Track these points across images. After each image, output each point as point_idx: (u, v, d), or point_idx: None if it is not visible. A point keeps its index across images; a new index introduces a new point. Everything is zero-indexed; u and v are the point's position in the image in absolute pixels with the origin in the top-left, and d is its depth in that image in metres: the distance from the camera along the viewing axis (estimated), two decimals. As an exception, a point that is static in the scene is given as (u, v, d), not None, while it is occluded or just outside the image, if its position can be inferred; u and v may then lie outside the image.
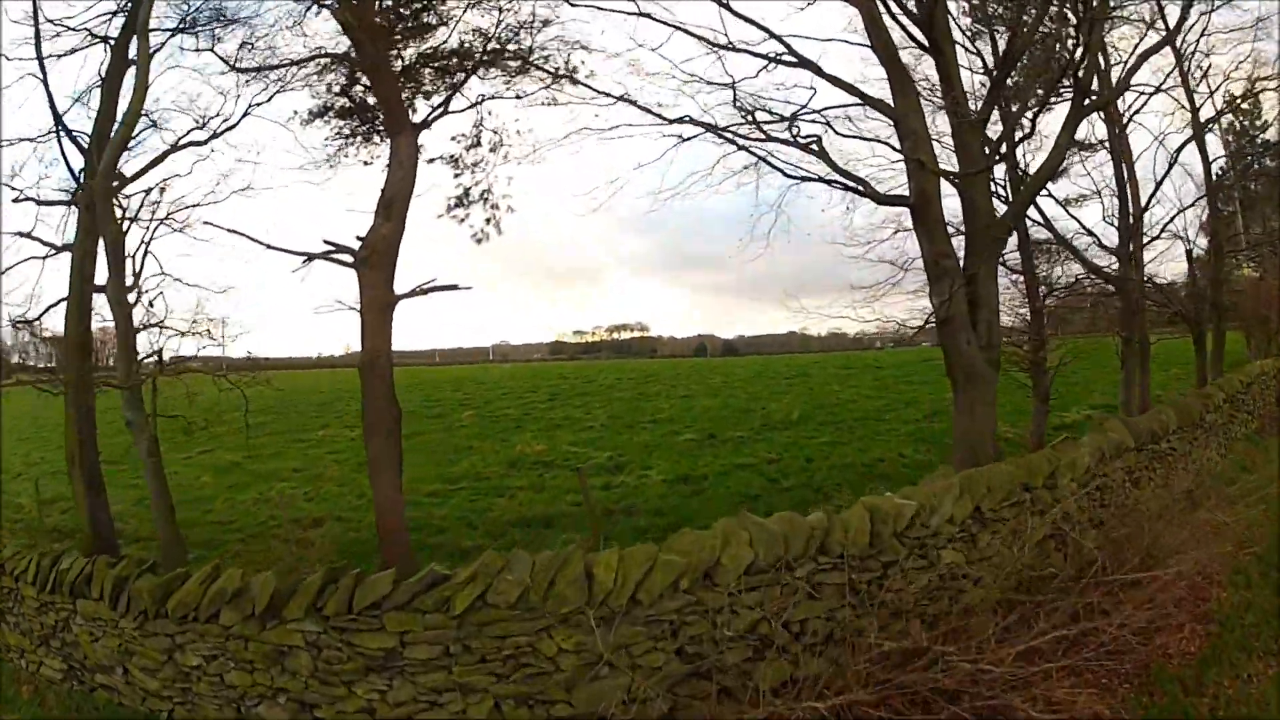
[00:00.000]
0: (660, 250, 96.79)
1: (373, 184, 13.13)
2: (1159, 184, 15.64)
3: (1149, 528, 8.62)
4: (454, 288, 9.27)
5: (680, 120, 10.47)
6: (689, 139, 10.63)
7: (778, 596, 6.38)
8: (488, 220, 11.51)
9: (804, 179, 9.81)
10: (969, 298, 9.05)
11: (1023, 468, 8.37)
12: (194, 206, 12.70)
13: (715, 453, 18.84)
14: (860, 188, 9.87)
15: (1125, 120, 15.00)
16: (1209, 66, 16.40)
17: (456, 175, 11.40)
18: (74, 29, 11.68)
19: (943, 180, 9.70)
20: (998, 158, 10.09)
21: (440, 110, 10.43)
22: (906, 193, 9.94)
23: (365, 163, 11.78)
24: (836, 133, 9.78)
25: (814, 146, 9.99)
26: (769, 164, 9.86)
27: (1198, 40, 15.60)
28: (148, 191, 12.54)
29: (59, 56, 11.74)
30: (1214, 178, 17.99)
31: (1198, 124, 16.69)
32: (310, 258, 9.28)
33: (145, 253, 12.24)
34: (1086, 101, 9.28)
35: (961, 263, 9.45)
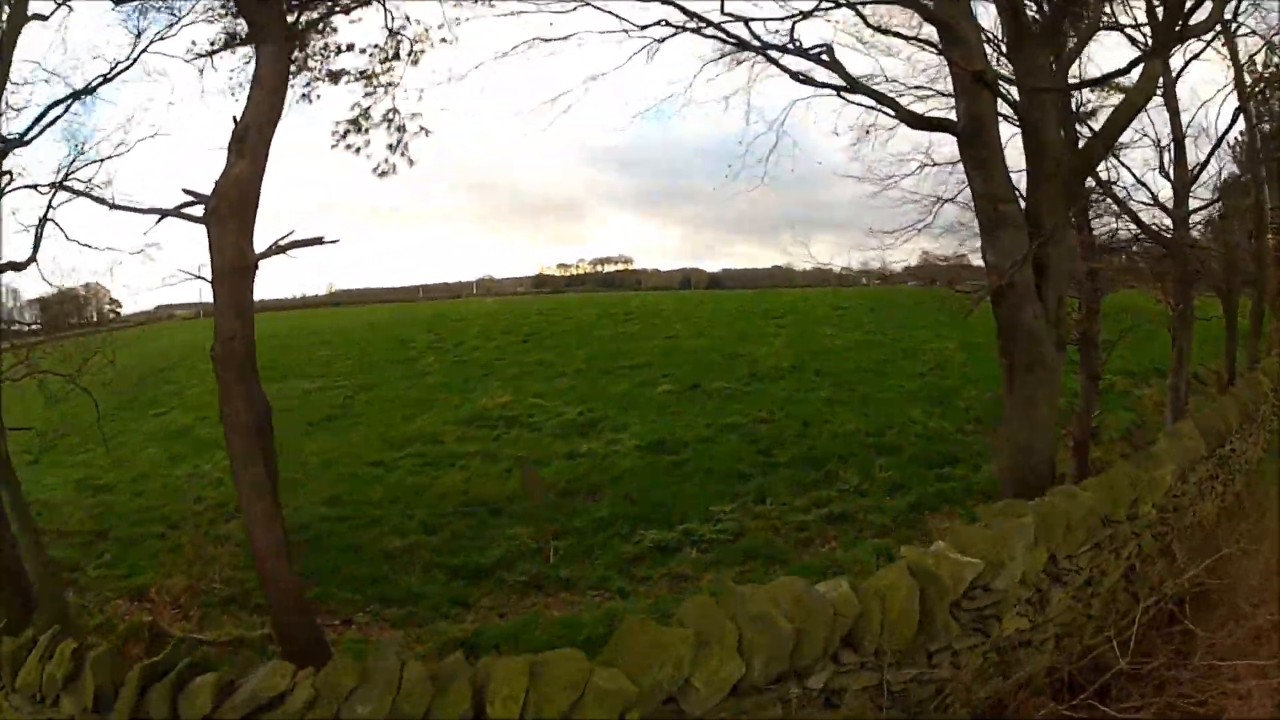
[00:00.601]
0: (643, 187, 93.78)
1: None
2: (1221, 138, 13.47)
3: (1232, 563, 6.73)
4: (318, 241, 7.14)
5: (656, 23, 8.10)
6: (664, 41, 8.30)
7: (778, 717, 4.33)
8: (392, 146, 9.11)
9: (817, 85, 7.51)
10: (1035, 259, 6.79)
11: (1105, 495, 6.31)
12: (100, 161, 10.67)
13: (699, 408, 16.95)
14: (888, 106, 7.56)
15: (1180, 68, 12.74)
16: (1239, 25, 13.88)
17: (369, 94, 8.93)
18: None
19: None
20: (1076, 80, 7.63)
21: (328, 7, 7.85)
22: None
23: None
24: (871, 22, 7.33)
25: (824, 57, 7.71)
26: (777, 65, 7.62)
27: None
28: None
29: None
30: (1258, 140, 15.58)
31: (1241, 81, 14.20)
32: (163, 215, 7.31)
33: (44, 220, 10.14)
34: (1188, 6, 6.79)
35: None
